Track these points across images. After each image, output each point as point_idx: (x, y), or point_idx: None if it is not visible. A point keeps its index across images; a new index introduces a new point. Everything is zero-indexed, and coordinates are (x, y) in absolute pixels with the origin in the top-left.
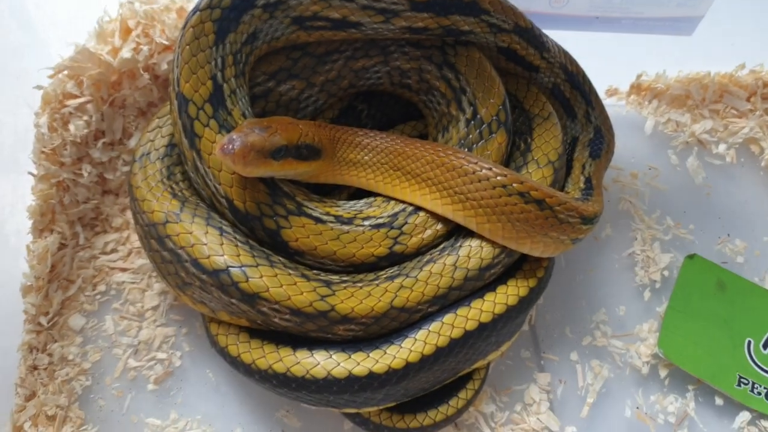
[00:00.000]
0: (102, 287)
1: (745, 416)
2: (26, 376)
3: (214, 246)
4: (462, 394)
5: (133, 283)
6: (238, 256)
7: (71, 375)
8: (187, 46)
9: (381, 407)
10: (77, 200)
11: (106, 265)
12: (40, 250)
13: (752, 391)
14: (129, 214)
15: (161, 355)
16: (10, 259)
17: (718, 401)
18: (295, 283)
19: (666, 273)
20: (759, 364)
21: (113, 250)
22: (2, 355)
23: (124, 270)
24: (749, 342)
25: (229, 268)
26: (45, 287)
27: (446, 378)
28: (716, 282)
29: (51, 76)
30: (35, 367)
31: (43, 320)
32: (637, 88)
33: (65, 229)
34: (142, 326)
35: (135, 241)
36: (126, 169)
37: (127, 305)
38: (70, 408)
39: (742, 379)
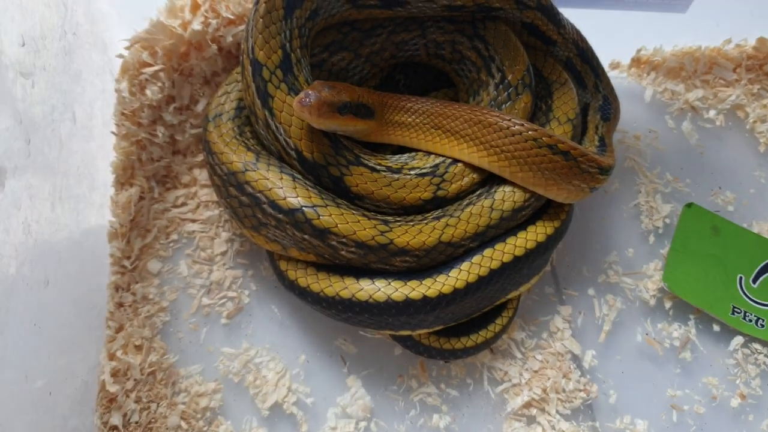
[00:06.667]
0: (174, 236)
1: (739, 340)
2: (114, 311)
3: (289, 189)
4: (498, 321)
5: (202, 232)
6: (310, 197)
7: (152, 312)
8: (261, 19)
9: (431, 330)
10: (152, 158)
11: (178, 216)
12: (124, 201)
13: (744, 318)
14: (196, 171)
15: (231, 294)
16: (97, 209)
17: (716, 328)
18: (358, 221)
19: (667, 220)
20: (749, 295)
21: (183, 204)
22: (96, 292)
23: (193, 221)
24: (740, 278)
25: (303, 208)
26: (127, 234)
27: (485, 306)
28: (711, 227)
29: (127, 48)
30: (121, 304)
31: (127, 263)
32: (637, 61)
33: (143, 183)
34: (212, 269)
35: (202, 195)
36: (193, 131)
37: (198, 251)
38: (154, 339)
39: (735, 309)
